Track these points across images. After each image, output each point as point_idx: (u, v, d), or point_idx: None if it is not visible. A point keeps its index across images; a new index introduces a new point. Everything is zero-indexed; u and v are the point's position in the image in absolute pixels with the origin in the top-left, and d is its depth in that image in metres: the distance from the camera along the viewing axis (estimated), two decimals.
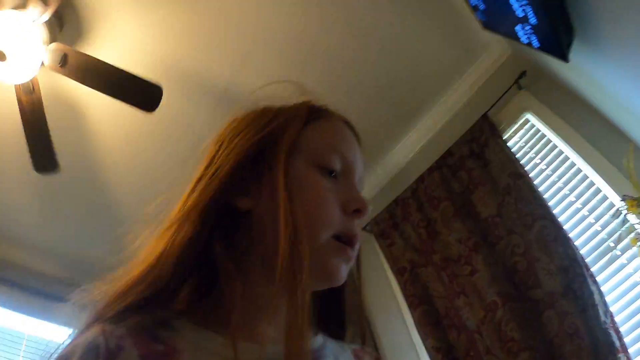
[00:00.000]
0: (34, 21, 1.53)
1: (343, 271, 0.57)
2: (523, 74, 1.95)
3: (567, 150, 1.80)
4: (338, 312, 0.67)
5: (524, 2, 1.30)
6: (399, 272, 2.11)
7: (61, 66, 1.58)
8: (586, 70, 1.61)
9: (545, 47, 1.45)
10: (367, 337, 0.70)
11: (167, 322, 0.52)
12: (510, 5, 1.36)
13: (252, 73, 1.94)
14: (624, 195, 1.52)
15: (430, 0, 1.88)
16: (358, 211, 0.59)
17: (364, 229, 2.37)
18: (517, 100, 2.01)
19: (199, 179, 0.59)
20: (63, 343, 0.50)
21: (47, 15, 1.50)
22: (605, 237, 1.62)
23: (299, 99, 0.67)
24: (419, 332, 1.96)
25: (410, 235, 2.15)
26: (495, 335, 1.72)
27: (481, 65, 2.15)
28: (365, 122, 2.17)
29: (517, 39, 1.52)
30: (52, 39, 1.61)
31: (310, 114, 0.64)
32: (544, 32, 1.37)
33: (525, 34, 1.45)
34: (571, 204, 1.74)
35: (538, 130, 1.93)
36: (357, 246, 0.59)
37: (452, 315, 1.89)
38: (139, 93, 1.54)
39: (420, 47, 2.05)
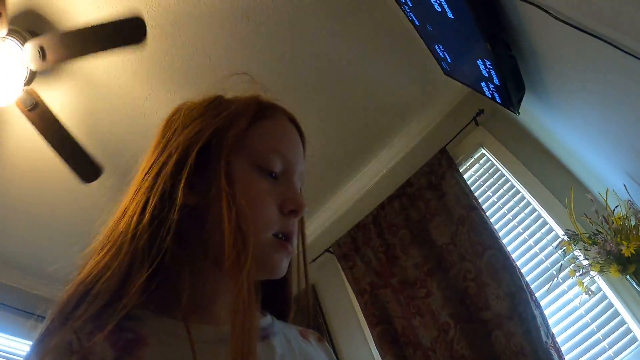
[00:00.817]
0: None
1: (284, 264, 0.62)
2: (480, 112, 2.12)
3: (518, 185, 1.97)
4: (283, 296, 0.73)
5: (488, 65, 1.42)
6: (359, 293, 2.21)
7: (29, 110, 1.66)
8: (536, 118, 1.78)
9: (504, 103, 1.59)
10: (311, 320, 0.77)
11: (130, 313, 0.52)
12: (477, 66, 1.48)
13: None
14: (567, 230, 1.68)
15: (397, 38, 2.01)
16: (294, 211, 0.62)
17: (327, 250, 2.46)
18: (474, 135, 2.18)
19: (147, 172, 0.60)
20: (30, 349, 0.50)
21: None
22: (549, 266, 1.78)
23: (251, 91, 0.69)
24: (378, 349, 2.05)
25: (370, 259, 2.26)
26: (447, 352, 1.84)
27: (442, 101, 2.31)
28: (331, 149, 2.30)
29: (482, 92, 1.66)
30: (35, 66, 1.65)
31: (257, 112, 0.66)
32: (502, 90, 1.52)
33: (489, 91, 1.58)
34: (519, 234, 1.90)
35: (492, 165, 2.10)
36: (294, 239, 0.64)
37: (408, 333, 2.00)
38: (82, 164, 1.76)
39: (387, 81, 2.19)
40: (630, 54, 0.88)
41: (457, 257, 1.97)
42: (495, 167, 2.10)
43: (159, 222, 0.55)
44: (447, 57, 1.66)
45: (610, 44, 0.91)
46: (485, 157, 2.16)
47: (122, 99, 1.90)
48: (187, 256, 0.58)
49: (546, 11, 1.07)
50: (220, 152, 0.60)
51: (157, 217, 0.55)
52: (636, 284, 1.48)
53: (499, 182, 2.06)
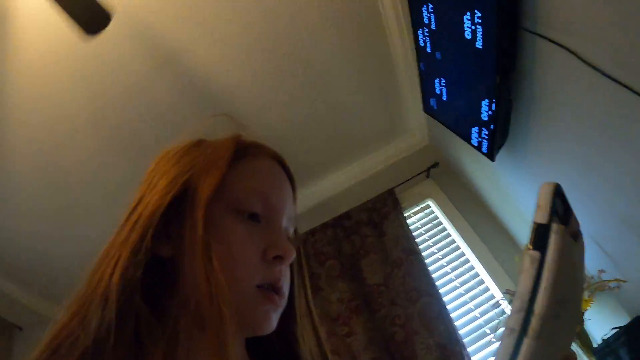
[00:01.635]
0: None
1: (271, 318, 0.56)
2: (435, 165, 2.14)
3: (460, 241, 1.96)
4: (290, 353, 0.65)
5: (493, 107, 1.38)
6: None
7: None
8: (498, 176, 1.82)
9: (488, 151, 1.54)
10: None
11: None
12: (479, 107, 1.44)
13: (204, 53, 1.79)
14: (506, 290, 1.67)
15: (381, 71, 2.00)
16: (278, 257, 0.57)
17: None
18: (423, 186, 2.17)
19: (123, 224, 0.55)
20: None
21: None
22: (482, 323, 1.74)
23: (232, 132, 0.65)
24: None
25: None
26: None
27: (400, 145, 2.30)
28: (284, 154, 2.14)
29: (466, 138, 1.62)
30: None
31: (236, 152, 0.61)
32: (492, 136, 1.49)
33: (478, 138, 1.55)
34: (455, 288, 1.85)
35: (436, 217, 2.09)
36: (284, 289, 0.58)
37: None
38: (87, 12, 1.34)
39: (360, 107, 2.13)
40: None
41: (387, 300, 1.86)
42: (439, 220, 2.08)
43: (129, 280, 0.50)
44: (444, 93, 1.63)
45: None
46: (431, 209, 2.14)
47: None
48: (161, 315, 0.52)
49: (579, 57, 1.10)
50: (195, 199, 0.55)
51: (126, 275, 0.50)
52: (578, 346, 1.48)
53: (441, 235, 2.03)
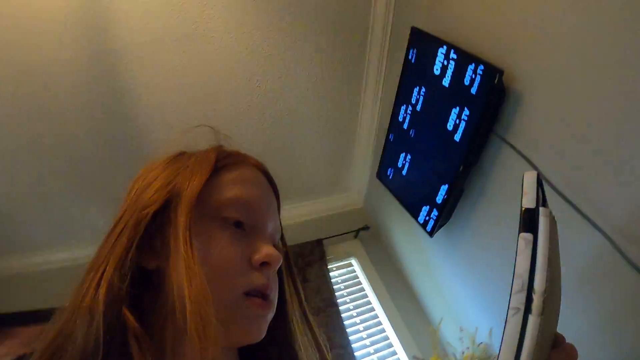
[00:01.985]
0: None
1: (260, 326, 0.57)
2: (366, 228, 2.28)
3: (375, 303, 2.08)
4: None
5: (447, 192, 1.57)
6: None
7: None
8: (428, 252, 1.99)
9: (431, 229, 1.71)
10: None
11: None
12: (437, 190, 1.61)
13: None
14: (414, 356, 1.80)
15: (342, 129, 2.15)
16: (265, 264, 0.58)
17: None
18: (350, 244, 2.29)
19: (109, 235, 0.56)
20: None
21: None
22: None
23: (213, 143, 0.68)
24: None
25: None
26: None
27: (338, 201, 2.43)
28: None
29: (413, 213, 1.77)
30: None
31: (217, 162, 0.62)
32: (438, 217, 1.66)
33: (426, 216, 1.71)
34: (365, 346, 1.94)
35: (356, 277, 2.20)
36: (272, 294, 0.59)
37: None
38: None
39: (312, 156, 2.24)
40: None
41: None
42: (358, 280, 2.19)
43: (115, 293, 0.50)
44: (406, 167, 1.79)
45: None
46: (353, 268, 2.25)
47: None
48: (149, 327, 0.52)
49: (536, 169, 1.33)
50: (178, 209, 0.56)
51: (112, 288, 0.50)
52: None
53: (359, 294, 2.13)
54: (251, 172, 0.64)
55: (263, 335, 0.57)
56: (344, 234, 2.28)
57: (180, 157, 0.64)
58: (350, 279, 2.21)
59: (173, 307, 0.51)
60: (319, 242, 2.24)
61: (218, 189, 0.60)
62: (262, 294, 0.56)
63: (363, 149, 2.17)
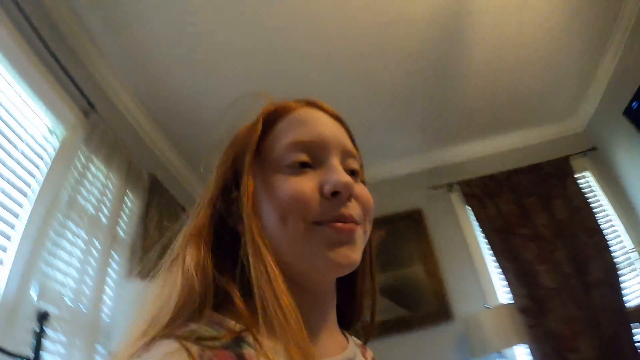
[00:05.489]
0: None
1: (350, 255, 0.57)
2: (593, 149, 3.00)
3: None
4: (351, 303, 0.72)
5: None
6: (493, 230, 2.63)
7: None
8: None
9: None
10: (369, 338, 0.75)
11: (241, 338, 0.52)
12: None
13: None
14: None
15: (585, 48, 2.73)
16: (335, 192, 0.57)
17: (450, 185, 2.76)
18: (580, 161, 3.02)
19: (197, 205, 0.63)
20: None
21: None
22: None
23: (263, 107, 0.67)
24: (510, 285, 2.52)
25: (502, 207, 2.72)
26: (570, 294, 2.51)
27: (567, 125, 3.11)
28: (508, 95, 2.69)
29: None
30: None
31: (267, 120, 0.65)
32: None
33: None
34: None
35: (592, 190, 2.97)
36: (357, 219, 0.58)
37: (533, 275, 2.57)
38: None
39: (548, 78, 2.84)
40: None
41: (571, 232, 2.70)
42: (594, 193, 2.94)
43: (203, 255, 0.57)
44: None
45: None
46: (586, 180, 2.99)
47: None
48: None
49: None
50: (242, 172, 0.61)
51: (200, 253, 0.57)
52: None
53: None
54: (302, 113, 0.65)
55: (357, 261, 0.57)
56: (577, 153, 2.98)
57: (239, 131, 0.67)
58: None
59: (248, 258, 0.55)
60: (566, 159, 2.93)
61: (273, 143, 0.62)
62: (336, 219, 0.56)
63: (604, 74, 2.70)
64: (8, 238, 1.53)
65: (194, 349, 0.47)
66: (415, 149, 2.97)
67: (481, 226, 2.69)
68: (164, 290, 0.55)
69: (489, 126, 2.91)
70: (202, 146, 1.90)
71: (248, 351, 0.50)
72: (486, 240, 2.65)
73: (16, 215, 1.60)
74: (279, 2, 2.02)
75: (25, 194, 1.65)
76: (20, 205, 1.63)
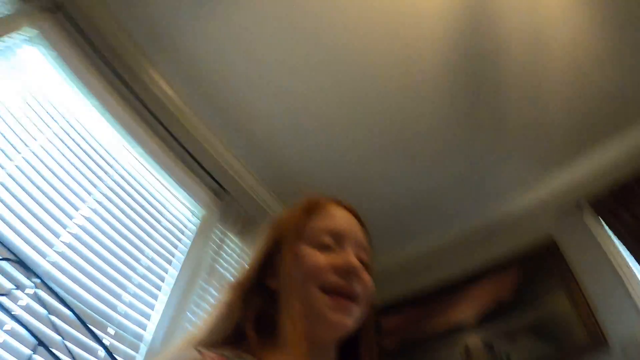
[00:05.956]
0: None
1: (344, 320, 0.76)
2: None
3: None
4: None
5: None
6: (636, 240, 2.32)
7: None
8: None
9: None
10: None
11: (242, 356, 0.71)
12: None
13: None
14: None
15: None
16: (345, 271, 0.79)
17: (570, 208, 2.57)
18: None
19: (245, 267, 0.88)
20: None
21: None
22: None
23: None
24: None
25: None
26: None
27: None
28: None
29: None
30: None
31: (309, 208, 0.88)
32: None
33: None
34: None
35: None
36: (356, 295, 0.79)
37: None
38: None
39: None
40: None
41: None
42: None
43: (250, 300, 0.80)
44: None
45: None
46: None
47: None
48: (270, 335, 0.76)
49: None
50: (285, 246, 0.83)
51: (248, 297, 0.80)
52: None
53: None
54: (333, 208, 0.90)
55: (349, 328, 0.77)
56: None
57: (287, 211, 0.93)
58: None
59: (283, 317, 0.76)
60: None
61: (310, 226, 0.85)
62: (341, 292, 0.77)
63: None
64: (155, 297, 1.92)
65: (209, 354, 0.68)
66: (530, 179, 2.85)
67: (621, 239, 2.38)
68: (206, 319, 0.81)
69: (598, 133, 2.67)
70: None
71: None
72: (630, 253, 2.33)
73: (162, 279, 2.01)
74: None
75: (170, 262, 2.08)
76: (166, 271, 2.05)
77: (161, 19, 2.21)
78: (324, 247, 0.81)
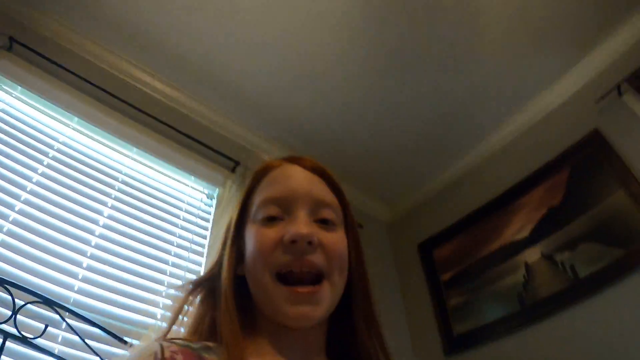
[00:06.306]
0: None
1: (307, 313, 0.64)
2: None
3: None
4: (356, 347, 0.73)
5: None
6: None
7: None
8: None
9: None
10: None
11: (210, 348, 0.63)
12: None
13: None
14: None
15: None
16: (292, 241, 0.64)
17: (617, 86, 2.25)
18: None
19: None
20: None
21: None
22: None
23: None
24: None
25: None
26: None
27: None
28: None
29: None
30: None
31: (251, 183, 0.78)
32: None
33: None
34: None
35: None
36: (320, 282, 0.66)
37: None
38: None
39: None
40: None
41: None
42: None
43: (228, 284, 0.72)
44: None
45: None
46: None
47: None
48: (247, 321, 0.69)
49: None
50: (236, 231, 0.75)
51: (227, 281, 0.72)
52: None
53: None
54: (279, 171, 0.76)
55: (313, 319, 0.65)
56: None
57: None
58: None
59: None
60: None
61: (253, 200, 0.74)
62: (295, 278, 0.65)
63: None
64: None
65: (170, 347, 0.60)
66: (561, 69, 2.52)
67: None
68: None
69: (618, 9, 2.30)
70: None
71: (210, 356, 0.62)
72: None
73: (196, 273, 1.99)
74: None
75: (202, 254, 2.05)
76: (199, 264, 2.03)
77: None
78: (270, 221, 0.69)
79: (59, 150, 1.89)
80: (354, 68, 2.41)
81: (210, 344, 0.64)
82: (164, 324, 0.73)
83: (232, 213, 0.80)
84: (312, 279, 0.65)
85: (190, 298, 0.74)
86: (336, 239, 0.69)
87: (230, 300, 0.67)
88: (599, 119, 2.33)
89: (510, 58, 2.44)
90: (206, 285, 0.75)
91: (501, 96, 2.63)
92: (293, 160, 0.78)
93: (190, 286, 0.76)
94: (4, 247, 1.52)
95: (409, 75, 2.48)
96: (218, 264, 0.76)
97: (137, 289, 1.77)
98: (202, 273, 1.87)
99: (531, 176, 2.57)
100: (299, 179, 0.74)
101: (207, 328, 0.70)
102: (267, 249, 0.66)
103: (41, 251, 1.60)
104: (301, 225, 0.66)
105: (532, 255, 2.42)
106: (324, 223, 0.70)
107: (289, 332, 0.68)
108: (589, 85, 2.45)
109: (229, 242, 0.75)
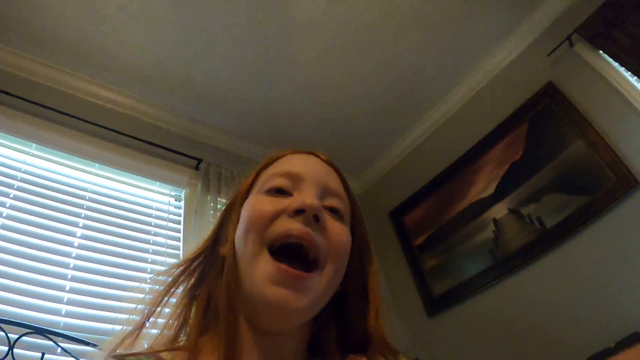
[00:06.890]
0: None
1: (289, 299, 0.54)
2: None
3: None
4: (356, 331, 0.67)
5: None
6: (637, 61, 2.12)
7: None
8: None
9: None
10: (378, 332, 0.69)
11: (162, 357, 0.58)
12: None
13: None
14: None
15: None
16: (297, 210, 0.58)
17: (568, 37, 2.30)
18: None
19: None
20: None
21: None
22: None
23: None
24: None
25: (635, 31, 2.17)
26: None
27: None
28: None
29: None
30: None
31: (268, 161, 0.73)
32: None
33: None
34: None
35: None
36: (314, 270, 0.58)
37: None
38: None
39: None
40: None
41: None
42: None
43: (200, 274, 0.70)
44: None
45: None
46: None
47: None
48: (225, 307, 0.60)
49: None
50: (235, 206, 0.70)
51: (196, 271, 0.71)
52: None
53: None
54: (291, 157, 0.72)
55: (293, 309, 0.55)
56: None
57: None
58: None
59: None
60: None
61: (262, 176, 0.70)
62: (289, 249, 0.57)
63: None
64: None
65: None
66: (512, 25, 2.56)
67: (622, 63, 2.16)
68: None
69: None
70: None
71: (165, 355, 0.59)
72: (634, 74, 2.14)
73: None
74: None
75: (178, 256, 2.00)
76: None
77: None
78: (276, 191, 0.64)
79: (23, 180, 1.84)
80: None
81: (173, 352, 0.60)
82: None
83: (236, 189, 0.76)
84: (304, 265, 0.58)
85: (181, 279, 0.69)
86: (341, 229, 0.63)
87: (232, 268, 0.61)
88: (553, 72, 2.39)
89: (458, 18, 2.45)
90: (199, 268, 0.70)
91: (454, 58, 2.65)
92: (309, 152, 0.74)
93: (180, 269, 0.70)
94: None
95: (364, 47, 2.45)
96: (212, 239, 0.72)
97: (122, 301, 1.73)
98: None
99: (491, 134, 2.63)
100: (314, 163, 0.70)
101: (179, 326, 0.66)
102: (266, 216, 0.59)
103: (23, 282, 1.58)
104: (311, 197, 0.60)
105: (499, 211, 2.50)
106: (332, 212, 0.64)
107: (263, 337, 0.60)
108: (540, 40, 2.50)
109: (234, 211, 0.69)
